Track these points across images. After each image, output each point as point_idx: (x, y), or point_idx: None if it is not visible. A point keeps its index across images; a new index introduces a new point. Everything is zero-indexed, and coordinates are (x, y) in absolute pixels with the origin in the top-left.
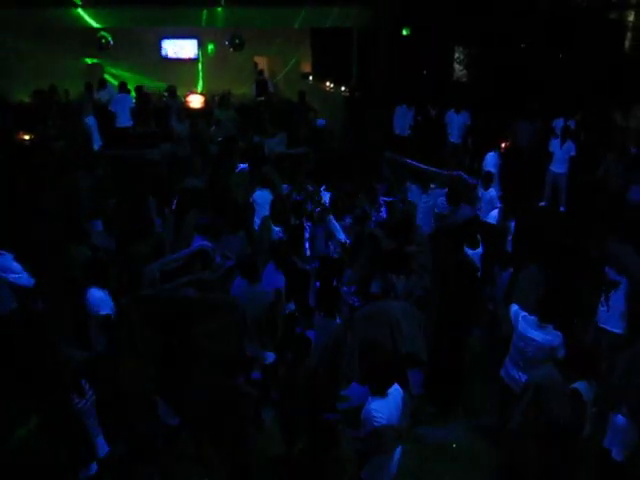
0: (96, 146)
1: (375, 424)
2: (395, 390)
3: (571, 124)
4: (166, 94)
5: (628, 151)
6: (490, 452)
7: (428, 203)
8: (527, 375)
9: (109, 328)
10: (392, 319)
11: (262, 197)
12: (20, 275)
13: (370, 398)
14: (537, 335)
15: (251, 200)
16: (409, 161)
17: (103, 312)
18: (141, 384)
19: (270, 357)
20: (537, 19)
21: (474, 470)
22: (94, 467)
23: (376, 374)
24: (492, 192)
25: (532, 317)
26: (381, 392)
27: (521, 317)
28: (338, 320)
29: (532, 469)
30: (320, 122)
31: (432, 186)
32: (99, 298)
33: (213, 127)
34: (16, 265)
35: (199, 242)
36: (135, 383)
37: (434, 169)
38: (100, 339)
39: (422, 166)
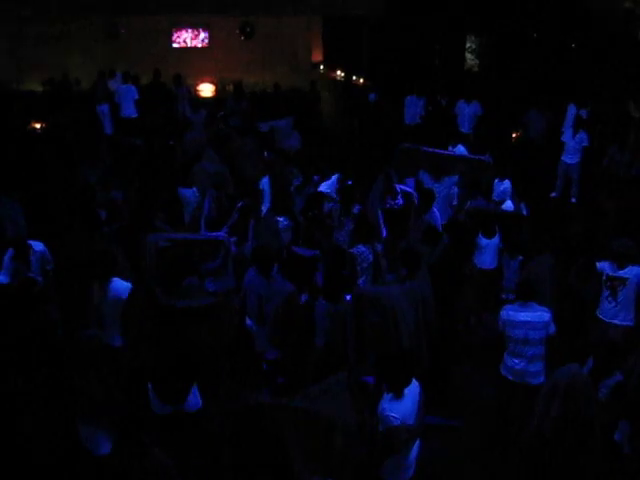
0: (108, 133)
1: (389, 424)
2: (412, 386)
3: (583, 114)
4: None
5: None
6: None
7: (442, 193)
8: (526, 362)
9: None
10: (394, 308)
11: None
12: None
13: (385, 394)
14: (526, 316)
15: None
16: (429, 150)
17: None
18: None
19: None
20: (550, 9)
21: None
22: None
23: (389, 373)
24: (507, 183)
25: (514, 303)
26: (397, 392)
27: (503, 309)
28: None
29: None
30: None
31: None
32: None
33: (221, 113)
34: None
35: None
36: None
37: (456, 154)
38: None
39: (444, 152)
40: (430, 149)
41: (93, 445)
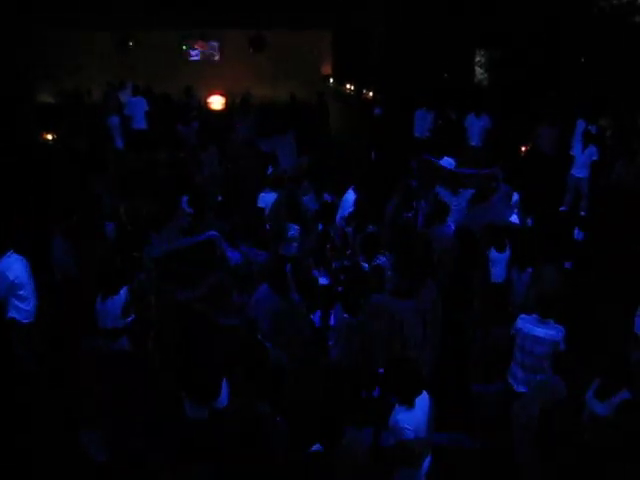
0: (119, 146)
1: (403, 437)
2: (422, 398)
3: (592, 129)
4: None
5: None
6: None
7: (459, 205)
8: (529, 373)
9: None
10: (402, 320)
11: (267, 199)
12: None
13: (397, 407)
14: (541, 332)
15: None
16: (443, 166)
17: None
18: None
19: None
20: (560, 23)
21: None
22: None
23: (399, 381)
24: (515, 197)
25: (532, 316)
26: (408, 402)
27: (520, 319)
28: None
29: None
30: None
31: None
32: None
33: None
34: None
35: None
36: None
37: (468, 171)
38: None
39: (456, 170)
40: (446, 164)
41: (94, 451)
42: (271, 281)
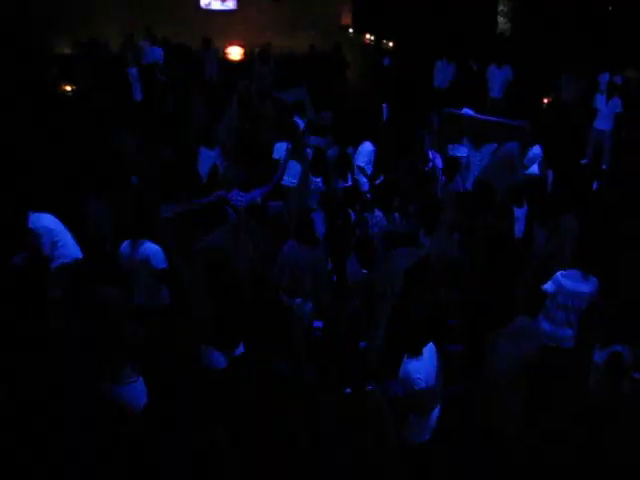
0: (137, 98)
1: (415, 387)
2: (429, 349)
3: (617, 80)
4: None
5: None
6: None
7: (482, 161)
8: (563, 326)
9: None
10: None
11: (281, 149)
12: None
13: (407, 357)
14: (585, 287)
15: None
16: (470, 114)
17: (161, 266)
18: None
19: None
20: None
21: None
22: None
23: (408, 332)
24: (537, 148)
25: (572, 272)
26: (416, 351)
27: (561, 276)
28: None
29: None
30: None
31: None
32: (156, 251)
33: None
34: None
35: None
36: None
37: (500, 119)
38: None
39: (483, 117)
40: (471, 114)
41: (133, 398)
42: (298, 234)
